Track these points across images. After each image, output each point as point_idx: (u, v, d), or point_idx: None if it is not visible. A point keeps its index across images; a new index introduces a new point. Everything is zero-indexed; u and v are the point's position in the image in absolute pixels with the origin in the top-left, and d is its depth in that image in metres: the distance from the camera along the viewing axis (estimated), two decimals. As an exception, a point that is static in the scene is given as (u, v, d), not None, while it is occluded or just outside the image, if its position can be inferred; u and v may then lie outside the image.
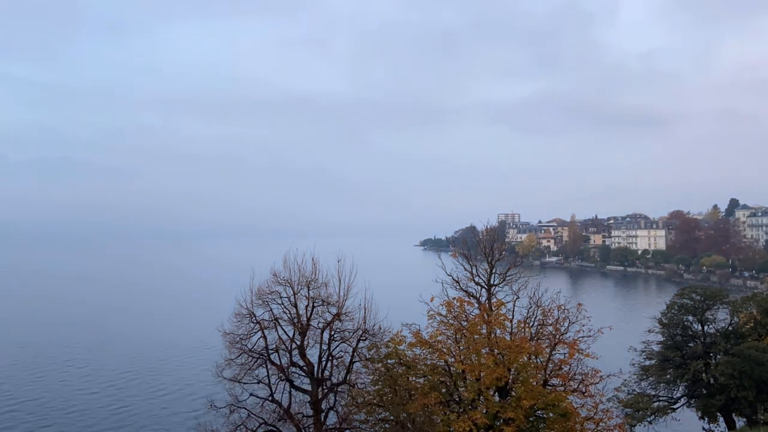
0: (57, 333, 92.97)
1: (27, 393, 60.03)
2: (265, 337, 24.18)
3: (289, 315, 24.35)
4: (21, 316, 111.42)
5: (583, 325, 25.48)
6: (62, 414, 53.65)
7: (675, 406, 34.90)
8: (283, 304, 24.42)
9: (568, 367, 24.70)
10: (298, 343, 24.15)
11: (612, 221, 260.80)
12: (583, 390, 24.19)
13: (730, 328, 35.23)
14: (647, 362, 36.02)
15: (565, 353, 24.88)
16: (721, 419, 33.92)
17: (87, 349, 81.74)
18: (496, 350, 23.53)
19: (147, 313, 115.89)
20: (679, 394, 35.37)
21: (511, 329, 25.53)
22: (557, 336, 25.18)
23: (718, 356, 33.48)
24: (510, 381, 23.49)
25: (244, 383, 23.76)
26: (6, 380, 64.52)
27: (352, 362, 24.32)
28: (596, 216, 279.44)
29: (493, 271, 26.65)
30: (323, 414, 23.65)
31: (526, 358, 24.05)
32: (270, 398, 23.77)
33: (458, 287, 26.32)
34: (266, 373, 24.01)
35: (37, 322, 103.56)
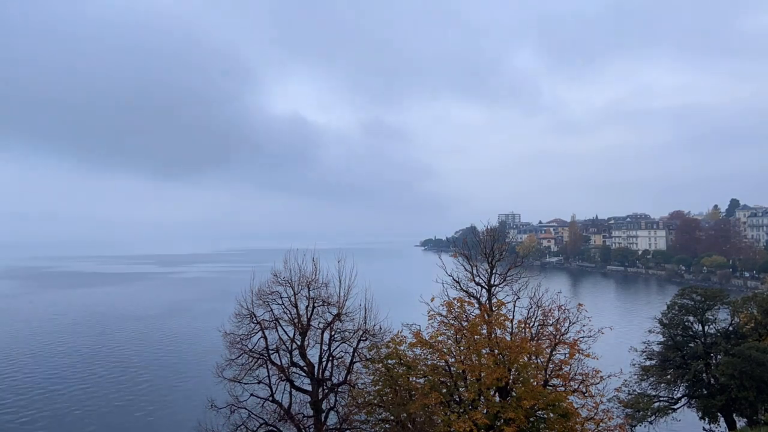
0: (52, 328, 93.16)
1: (23, 389, 60.02)
2: (265, 338, 24.21)
3: (289, 315, 24.38)
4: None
5: (584, 326, 25.47)
6: (59, 413, 53.57)
7: (675, 407, 34.86)
8: (283, 304, 24.46)
9: (569, 367, 24.67)
10: (299, 343, 24.17)
11: (612, 221, 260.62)
12: (584, 390, 24.15)
13: (730, 329, 35.23)
14: (648, 362, 36.02)
15: (565, 353, 24.87)
16: (722, 419, 33.87)
17: (82, 348, 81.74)
18: (496, 350, 23.53)
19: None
20: (679, 395, 35.35)
21: (512, 329, 25.52)
22: (558, 336, 25.17)
23: (719, 356, 33.47)
24: (510, 381, 23.48)
25: (245, 383, 23.78)
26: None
27: (352, 362, 24.35)
28: (596, 216, 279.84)
29: (494, 271, 26.62)
30: (324, 414, 23.67)
31: (526, 359, 24.04)
32: (270, 398, 23.78)
33: (459, 287, 26.31)
34: (267, 374, 24.04)
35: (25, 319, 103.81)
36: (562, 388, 24.20)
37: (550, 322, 25.74)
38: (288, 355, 24.34)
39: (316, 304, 24.34)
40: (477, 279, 26.48)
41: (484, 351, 23.74)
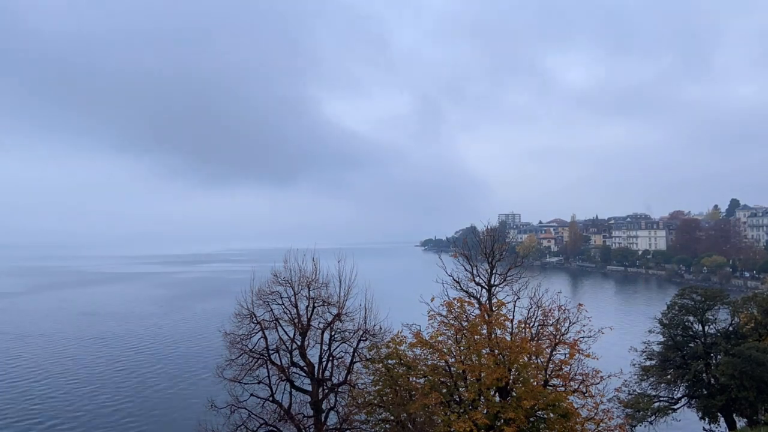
0: (51, 328, 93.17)
1: (23, 389, 60.03)
2: (265, 338, 24.20)
3: (289, 315, 24.38)
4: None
5: (584, 326, 25.46)
6: (58, 414, 53.54)
7: (675, 407, 34.86)
8: (283, 304, 24.46)
9: (569, 367, 24.67)
10: (299, 343, 24.17)
11: (612, 221, 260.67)
12: (584, 390, 24.15)
13: (730, 329, 35.22)
14: (648, 362, 36.01)
15: (565, 353, 24.86)
16: (722, 419, 33.88)
17: (81, 348, 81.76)
18: (496, 350, 23.53)
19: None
20: (679, 395, 35.35)
21: (512, 329, 25.52)
22: (558, 336, 25.16)
23: (719, 356, 33.46)
24: (510, 381, 23.48)
25: (245, 383, 23.78)
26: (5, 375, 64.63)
27: (352, 362, 24.34)
28: (597, 216, 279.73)
29: (494, 271, 26.62)
30: (324, 414, 23.67)
31: (526, 359, 24.04)
32: (270, 398, 23.78)
33: (459, 288, 26.32)
34: (267, 374, 24.03)
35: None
36: (562, 388, 24.19)
37: (550, 322, 25.74)
38: (288, 355, 24.33)
39: (316, 304, 24.34)
40: (477, 279, 26.47)
41: (484, 351, 23.73)
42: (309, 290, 24.28)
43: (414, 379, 23.68)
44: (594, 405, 24.05)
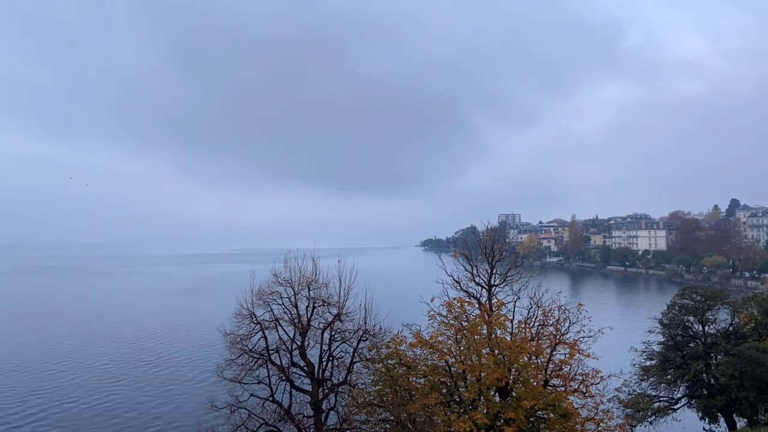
0: (51, 326, 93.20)
1: (22, 391, 60.01)
2: (265, 338, 24.21)
3: (289, 315, 24.39)
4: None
5: (584, 326, 25.47)
6: (57, 414, 53.53)
7: (676, 407, 34.89)
8: (283, 304, 24.48)
9: (569, 367, 24.69)
10: (299, 343, 24.19)
11: (612, 222, 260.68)
12: (584, 390, 24.16)
13: (730, 329, 35.24)
14: (648, 363, 36.04)
15: (565, 353, 24.88)
16: (722, 419, 33.89)
17: (81, 347, 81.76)
18: (496, 350, 23.54)
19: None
20: (679, 395, 35.37)
21: (512, 329, 25.52)
22: (558, 336, 25.17)
23: (719, 357, 33.48)
24: (510, 381, 23.49)
25: (245, 384, 23.79)
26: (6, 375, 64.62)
27: (352, 362, 24.36)
28: (597, 216, 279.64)
29: (494, 271, 26.62)
30: (324, 414, 23.68)
31: (526, 359, 24.05)
32: (270, 398, 23.79)
33: (459, 288, 26.32)
34: (267, 374, 24.04)
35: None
36: (562, 388, 24.21)
37: (550, 322, 25.75)
38: (288, 355, 24.35)
39: (316, 304, 24.36)
40: (477, 279, 26.47)
41: (484, 351, 23.75)
42: (309, 290, 24.31)
43: (414, 379, 23.69)
44: (594, 405, 24.06)
